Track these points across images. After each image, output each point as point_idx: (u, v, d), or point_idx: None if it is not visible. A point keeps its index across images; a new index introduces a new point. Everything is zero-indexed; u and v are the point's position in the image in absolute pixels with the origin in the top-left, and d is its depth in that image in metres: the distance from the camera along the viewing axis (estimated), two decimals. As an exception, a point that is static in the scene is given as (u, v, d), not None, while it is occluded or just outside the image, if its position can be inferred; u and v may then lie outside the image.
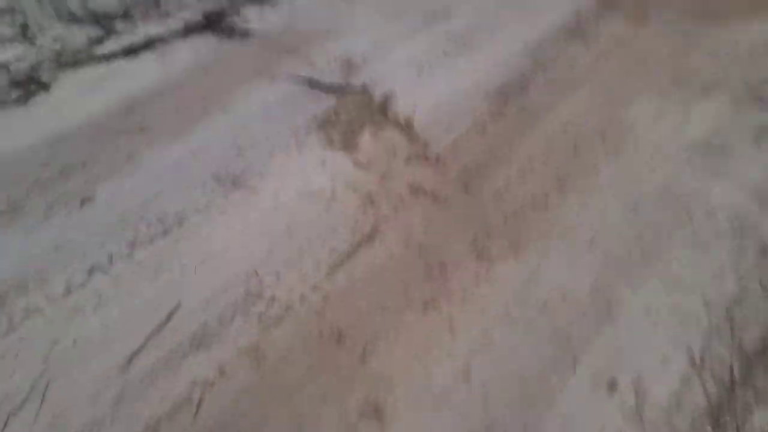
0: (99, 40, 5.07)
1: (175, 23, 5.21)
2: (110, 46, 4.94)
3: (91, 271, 2.72)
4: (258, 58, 4.55)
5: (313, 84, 4.17)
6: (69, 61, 4.71)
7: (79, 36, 5.11)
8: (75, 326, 2.50)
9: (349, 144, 3.51)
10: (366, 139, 3.55)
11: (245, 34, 5.09)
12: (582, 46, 4.51)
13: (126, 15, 5.41)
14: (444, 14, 5.10)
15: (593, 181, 3.18)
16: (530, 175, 3.22)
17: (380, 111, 3.90)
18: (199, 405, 2.05)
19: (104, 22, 5.29)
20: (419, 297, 2.54)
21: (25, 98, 4.22)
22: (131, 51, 4.87)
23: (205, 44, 4.82)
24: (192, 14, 5.38)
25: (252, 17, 5.33)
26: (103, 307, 2.58)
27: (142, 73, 4.40)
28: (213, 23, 5.29)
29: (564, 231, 2.85)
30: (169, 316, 2.48)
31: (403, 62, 4.39)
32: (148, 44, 4.96)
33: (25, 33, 5.14)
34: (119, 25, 5.25)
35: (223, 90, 4.11)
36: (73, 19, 5.40)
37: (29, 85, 4.37)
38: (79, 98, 4.11)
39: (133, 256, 2.79)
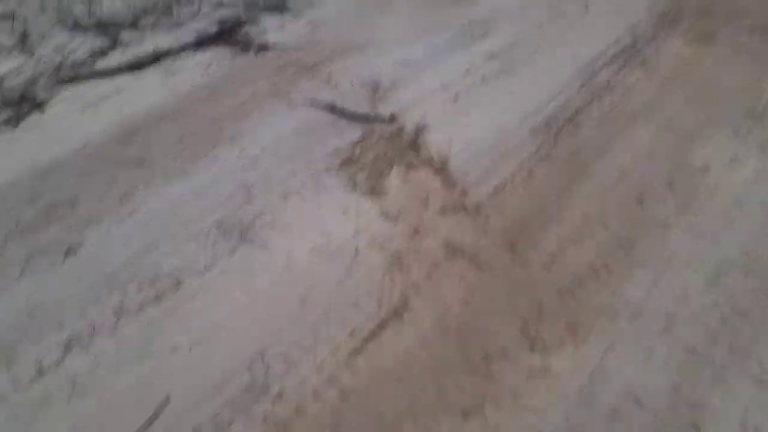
0: (103, 52, 4.61)
1: (186, 34, 4.73)
2: (115, 58, 4.48)
3: (67, 347, 2.28)
4: (274, 76, 4.08)
5: (335, 110, 3.68)
6: (68, 76, 4.26)
7: (82, 47, 4.65)
8: (43, 421, 2.02)
9: (375, 188, 3.01)
10: (395, 182, 3.05)
11: (262, 48, 4.60)
12: (640, 70, 3.97)
13: (134, 24, 4.96)
14: (482, 29, 4.57)
15: (663, 244, 2.66)
16: (587, 236, 2.70)
17: (411, 146, 3.39)
18: None
19: (111, 31, 4.81)
20: (458, 399, 2.04)
21: (16, 120, 3.78)
22: (136, 66, 4.42)
23: (218, 59, 4.36)
24: (206, 24, 4.91)
25: (271, 27, 4.84)
26: (78, 397, 2.11)
27: (146, 93, 3.96)
28: (227, 34, 4.80)
29: (632, 312, 2.33)
30: (155, 415, 2.01)
31: (437, 87, 3.89)
32: (156, 58, 4.50)
33: (24, 42, 4.69)
34: (126, 35, 4.78)
35: (234, 115, 3.64)
36: (77, 27, 4.96)
37: (22, 105, 3.90)
38: (75, 120, 3.69)
39: (118, 329, 2.34)
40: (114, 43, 4.73)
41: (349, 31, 4.63)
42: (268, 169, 3.26)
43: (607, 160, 3.22)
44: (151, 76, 4.22)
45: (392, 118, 3.62)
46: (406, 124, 3.56)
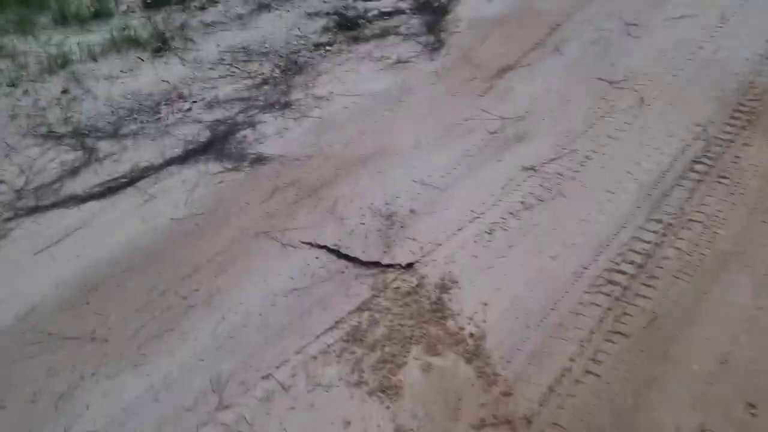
0: (74, 170, 3.88)
1: (172, 144, 4.00)
2: (86, 179, 3.76)
3: None
4: (269, 203, 3.38)
5: (340, 255, 2.86)
6: (29, 205, 3.49)
7: (51, 164, 3.94)
8: None
9: (387, 385, 2.28)
10: (413, 375, 2.27)
11: (257, 160, 3.86)
12: (721, 190, 3.11)
13: (115, 132, 4.22)
14: (517, 131, 3.82)
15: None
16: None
17: (434, 310, 2.56)
18: None
19: (87, 142, 4.09)
20: None
21: (-47, 269, 3.03)
22: (109, 190, 3.62)
23: (205, 178, 3.72)
24: (197, 129, 4.21)
25: (269, 132, 4.13)
26: None
27: (116, 227, 3.37)
28: (219, 142, 4.02)
29: None
30: None
31: (466, 216, 3.15)
32: (133, 179, 3.71)
33: None
34: (104, 145, 4.06)
35: (216, 265, 2.95)
36: (51, 136, 4.21)
37: (-35, 246, 3.17)
38: (24, 271, 3.05)
39: None
40: (89, 157, 4.01)
41: (359, 135, 3.89)
42: (250, 354, 2.48)
43: (696, 336, 2.33)
44: (126, 202, 3.54)
45: (409, 268, 2.78)
46: (427, 276, 2.74)
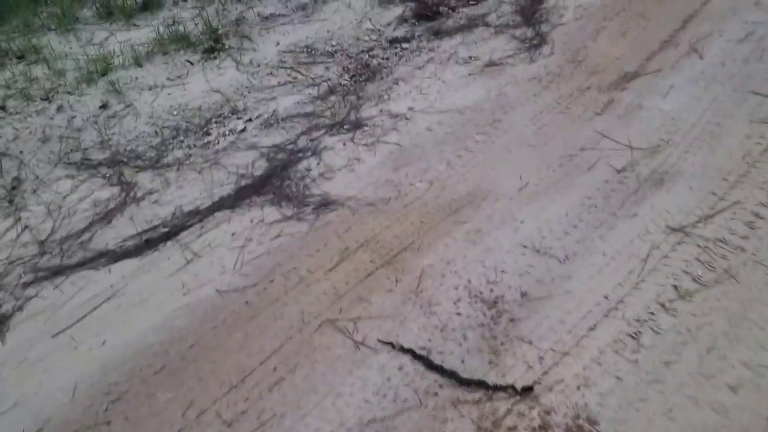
0: (108, 214, 3.24)
1: (221, 180, 3.27)
2: (121, 227, 3.11)
3: None
4: (335, 275, 2.76)
5: (429, 364, 2.06)
6: (52, 264, 2.85)
7: (83, 203, 3.30)
8: None
9: None
10: None
11: (323, 205, 3.10)
12: None
13: (158, 160, 3.50)
14: (653, 172, 3.07)
15: None
16: None
17: None
18: None
19: (125, 174, 3.40)
20: None
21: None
22: (147, 244, 2.92)
23: (258, 232, 3.12)
24: (251, 158, 3.46)
25: (337, 164, 3.35)
26: None
27: (150, 304, 2.79)
28: (277, 177, 3.25)
29: None
30: None
31: (597, 308, 2.48)
32: (175, 229, 2.99)
33: (12, 197, 3.31)
34: (144, 179, 3.38)
35: (268, 374, 2.41)
36: (85, 164, 3.54)
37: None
38: (38, 365, 2.56)
39: None
40: (126, 196, 3.32)
41: (446, 170, 3.14)
42: None
43: None
44: (165, 262, 2.87)
45: (527, 393, 1.93)
46: (554, 410, 1.92)
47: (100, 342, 2.56)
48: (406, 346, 2.30)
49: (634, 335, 2.22)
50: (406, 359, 2.24)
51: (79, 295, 2.80)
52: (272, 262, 2.80)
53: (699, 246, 2.53)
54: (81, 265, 2.98)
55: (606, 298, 2.36)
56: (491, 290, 2.46)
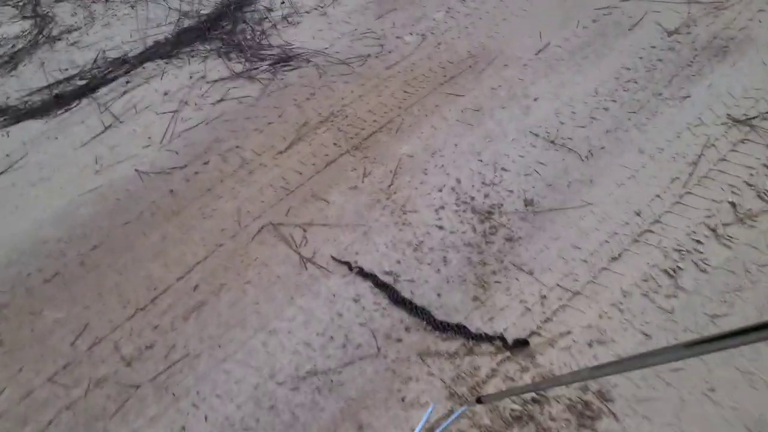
0: (14, 57, 2.48)
1: (159, 19, 2.58)
2: (28, 75, 2.36)
3: None
4: (286, 157, 2.25)
5: (394, 297, 1.58)
6: None
7: None
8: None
9: None
10: None
11: (282, 60, 2.38)
12: None
13: None
14: (713, 36, 2.05)
15: None
16: None
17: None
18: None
19: (41, 3, 2.66)
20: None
21: None
22: (57, 101, 2.28)
23: (196, 91, 2.49)
24: (189, 5, 2.63)
25: (306, 3, 2.51)
26: None
27: (48, 193, 2.34)
28: (229, 17, 2.50)
29: None
30: None
31: (621, 227, 1.80)
32: (94, 83, 2.34)
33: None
34: (65, 11, 2.66)
35: (185, 298, 1.83)
36: None
37: None
38: None
39: None
40: (38, 34, 2.58)
41: (445, 20, 2.45)
42: None
43: None
44: (77, 127, 2.31)
45: (521, 348, 1.41)
46: (555, 370, 1.35)
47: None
48: (366, 268, 1.66)
49: (671, 272, 1.59)
50: (365, 287, 1.64)
51: (-31, 166, 2.13)
52: (210, 137, 2.12)
53: (759, 132, 1.81)
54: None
55: (638, 214, 1.71)
56: (486, 195, 1.79)
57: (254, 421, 1.42)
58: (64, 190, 2.03)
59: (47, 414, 1.51)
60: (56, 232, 1.92)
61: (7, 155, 2.15)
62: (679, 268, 1.61)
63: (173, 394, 1.50)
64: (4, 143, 2.18)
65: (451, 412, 1.40)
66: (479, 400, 1.38)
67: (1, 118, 2.27)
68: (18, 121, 2.25)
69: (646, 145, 1.91)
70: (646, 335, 1.47)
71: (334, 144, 2.04)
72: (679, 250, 1.64)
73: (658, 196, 1.78)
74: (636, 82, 2.12)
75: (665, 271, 1.60)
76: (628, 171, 1.85)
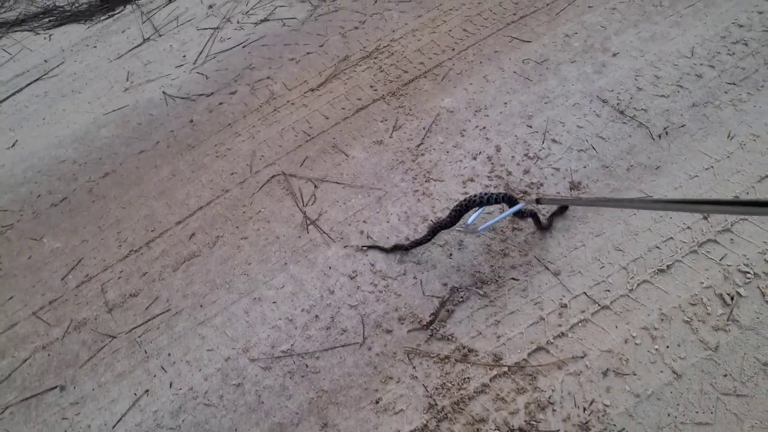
0: None
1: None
2: None
3: None
4: (306, 111, 1.97)
5: (398, 248, 1.35)
6: None
7: None
8: None
9: None
10: None
11: None
12: None
13: None
14: None
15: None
16: None
17: None
18: None
19: None
20: None
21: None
22: (102, 3, 2.19)
23: (238, 14, 2.28)
24: None
25: None
26: None
27: (75, 106, 2.27)
28: None
29: None
30: None
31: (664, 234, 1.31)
32: None
33: None
34: None
35: (173, 252, 1.68)
36: None
37: None
38: None
39: None
40: None
41: None
42: None
43: None
44: (115, 36, 2.26)
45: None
46: (555, 398, 1.14)
47: (10, 142, 1.87)
48: (375, 238, 1.46)
49: (728, 298, 1.26)
50: (365, 263, 1.42)
51: (6, 67, 2.07)
52: (244, 62, 1.93)
53: None
54: (19, 23, 2.19)
55: (705, 218, 1.35)
56: (526, 171, 1.52)
57: (218, 397, 1.30)
58: (92, 105, 1.93)
59: (25, 351, 1.46)
60: (73, 153, 1.83)
61: (45, 61, 2.06)
62: (739, 294, 1.28)
63: (145, 352, 1.40)
64: (45, 47, 2.09)
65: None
66: (539, 201, 1.29)
67: (47, 19, 2.16)
68: (62, 24, 2.14)
69: (740, 128, 1.53)
70: (676, 374, 1.18)
71: (371, 86, 1.79)
72: (746, 272, 1.31)
73: (737, 196, 1.43)
74: (746, 44, 1.68)
75: (720, 296, 1.28)
76: (707, 159, 1.49)
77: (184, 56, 1.93)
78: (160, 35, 1.99)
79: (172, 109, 1.83)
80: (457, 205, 1.30)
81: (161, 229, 1.62)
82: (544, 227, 1.32)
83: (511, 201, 1.33)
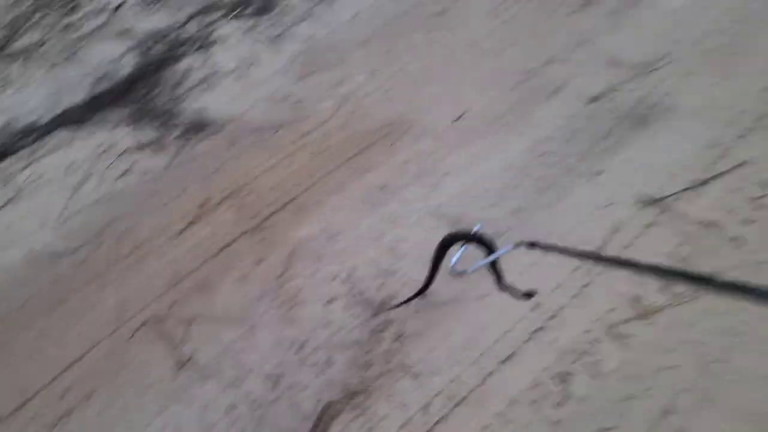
0: None
1: (75, 81, 2.51)
2: None
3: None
4: (180, 244, 2.12)
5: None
6: None
7: None
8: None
9: None
10: None
11: (193, 128, 2.26)
12: None
13: (4, 46, 2.67)
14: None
15: None
16: None
17: None
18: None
19: None
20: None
21: None
22: None
23: (102, 164, 2.36)
24: (119, 52, 2.59)
25: (226, 66, 2.43)
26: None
27: None
28: (144, 83, 2.42)
29: None
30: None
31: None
32: (1, 150, 2.26)
33: None
34: None
35: (46, 414, 1.58)
36: None
37: None
38: None
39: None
40: None
41: (367, 81, 2.38)
42: None
43: None
44: None
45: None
46: None
47: None
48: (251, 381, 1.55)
49: (564, 376, 1.46)
50: (242, 394, 1.50)
51: None
52: (108, 215, 2.03)
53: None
54: None
55: (536, 308, 1.57)
56: (379, 287, 1.71)
57: None
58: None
59: None
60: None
61: None
62: (570, 372, 1.49)
63: None
64: None
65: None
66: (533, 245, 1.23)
67: None
68: None
69: (555, 227, 1.81)
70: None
71: (233, 225, 1.94)
72: (573, 350, 1.53)
73: (559, 285, 1.67)
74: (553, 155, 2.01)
75: (558, 375, 1.49)
76: (531, 257, 1.74)
77: (47, 214, 2.02)
78: (20, 197, 2.08)
79: (37, 267, 1.89)
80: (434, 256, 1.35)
81: (31, 391, 1.66)
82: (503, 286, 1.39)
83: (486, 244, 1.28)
